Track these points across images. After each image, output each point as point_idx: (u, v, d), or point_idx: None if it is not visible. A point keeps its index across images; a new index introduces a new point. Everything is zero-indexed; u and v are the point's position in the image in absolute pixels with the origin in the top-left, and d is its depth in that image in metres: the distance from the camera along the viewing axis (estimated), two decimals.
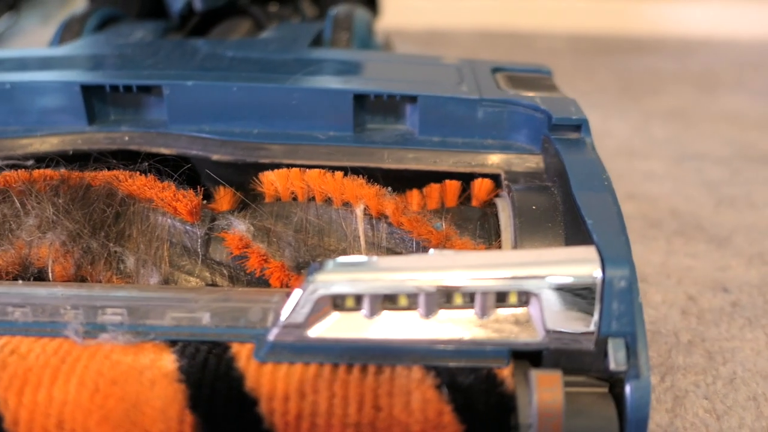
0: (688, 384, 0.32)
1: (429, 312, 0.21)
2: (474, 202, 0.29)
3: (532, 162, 0.29)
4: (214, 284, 0.26)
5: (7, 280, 0.25)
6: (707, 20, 1.17)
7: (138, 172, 0.28)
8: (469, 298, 0.21)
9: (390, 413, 0.20)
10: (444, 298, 0.21)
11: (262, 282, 0.26)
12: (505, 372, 0.21)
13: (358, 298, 0.21)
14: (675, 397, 0.32)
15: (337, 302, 0.21)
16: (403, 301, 0.21)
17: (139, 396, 0.20)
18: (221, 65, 0.34)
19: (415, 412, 0.20)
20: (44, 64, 0.35)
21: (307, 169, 0.28)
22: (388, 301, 0.21)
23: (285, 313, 0.21)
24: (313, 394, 0.20)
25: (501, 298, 0.21)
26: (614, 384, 0.22)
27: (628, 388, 0.21)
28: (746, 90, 0.86)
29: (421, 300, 0.21)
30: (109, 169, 0.28)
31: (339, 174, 0.27)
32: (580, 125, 0.29)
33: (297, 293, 0.21)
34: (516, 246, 0.25)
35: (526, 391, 0.21)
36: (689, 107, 0.79)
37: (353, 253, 0.26)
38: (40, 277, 0.25)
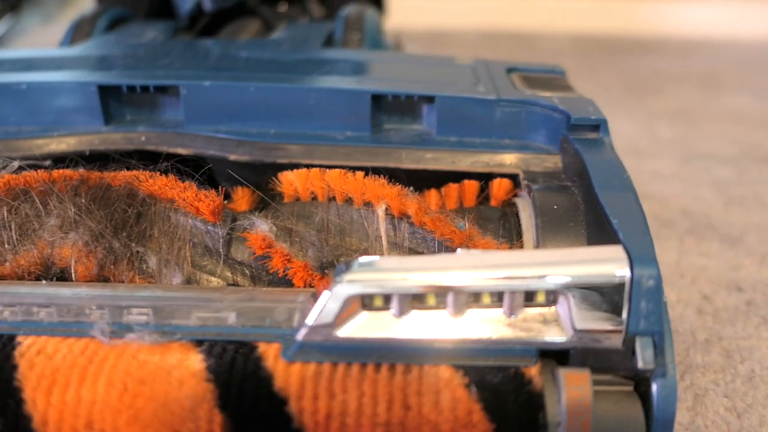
0: (708, 382, 0.33)
1: (457, 311, 0.21)
2: (493, 202, 0.29)
3: (550, 162, 0.30)
4: (235, 284, 0.26)
5: (29, 280, 0.25)
6: (708, 20, 1.17)
7: (158, 173, 0.28)
8: (497, 297, 0.21)
9: (419, 412, 0.20)
10: (472, 297, 0.21)
11: (284, 282, 0.26)
12: (533, 371, 0.21)
13: (387, 298, 0.21)
14: (695, 396, 0.32)
15: (365, 302, 0.21)
16: (431, 301, 0.21)
17: (168, 395, 0.20)
18: (236, 65, 0.34)
19: (445, 411, 0.20)
20: (58, 64, 0.35)
21: (327, 170, 0.28)
22: (416, 300, 0.21)
23: (314, 313, 0.21)
24: (343, 394, 0.20)
25: (529, 297, 0.21)
26: (639, 383, 0.22)
27: (654, 387, 0.21)
28: (749, 90, 0.86)
29: (450, 299, 0.21)
30: (128, 169, 0.28)
31: (360, 174, 0.27)
32: (598, 125, 0.29)
33: (326, 293, 0.21)
34: (538, 246, 0.25)
35: (554, 390, 0.21)
36: (693, 107, 0.79)
37: (375, 253, 0.26)
38: (62, 277, 0.25)
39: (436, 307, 0.21)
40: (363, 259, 0.21)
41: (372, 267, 0.21)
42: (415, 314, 0.21)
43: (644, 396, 0.22)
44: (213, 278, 0.26)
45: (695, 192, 0.55)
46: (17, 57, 0.36)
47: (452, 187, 0.29)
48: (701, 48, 1.08)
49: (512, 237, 0.26)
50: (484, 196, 0.29)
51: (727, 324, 0.37)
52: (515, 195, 0.29)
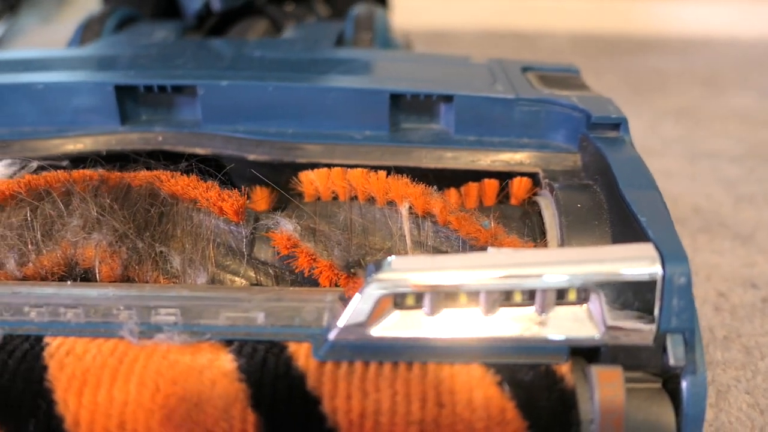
0: (729, 379, 0.33)
1: (489, 309, 0.21)
2: (513, 201, 0.29)
3: (570, 161, 0.30)
4: (258, 284, 0.26)
5: (53, 281, 0.25)
6: (710, 20, 1.18)
7: (179, 172, 0.28)
8: (529, 295, 0.21)
9: (453, 410, 0.20)
10: (504, 295, 0.21)
11: (307, 281, 0.25)
12: (564, 368, 0.21)
13: (419, 297, 0.21)
14: (718, 392, 0.32)
15: (397, 301, 0.21)
16: (463, 299, 0.21)
17: (201, 395, 0.20)
18: (252, 65, 0.34)
19: (478, 409, 0.20)
20: (72, 64, 0.35)
21: (348, 169, 0.28)
22: (448, 299, 0.21)
23: (347, 313, 0.21)
24: (376, 393, 0.20)
25: (560, 295, 0.21)
26: (668, 380, 0.22)
27: (684, 384, 0.21)
28: (752, 89, 0.86)
29: (482, 298, 0.21)
30: (148, 169, 0.28)
31: (382, 173, 0.27)
32: (619, 124, 0.29)
33: (358, 294, 0.21)
34: (563, 244, 0.25)
35: (586, 387, 0.21)
36: (697, 106, 0.79)
37: (399, 252, 0.26)
38: (86, 277, 0.25)
39: (468, 306, 0.21)
40: (394, 258, 0.21)
41: (403, 266, 0.21)
42: (446, 313, 0.21)
43: (673, 393, 0.22)
44: (236, 278, 0.26)
45: (705, 190, 0.55)
46: (29, 57, 0.36)
47: (472, 186, 0.29)
48: (702, 47, 1.08)
49: (536, 235, 0.26)
50: (503, 195, 0.29)
51: (744, 321, 0.37)
52: (534, 194, 0.29)
